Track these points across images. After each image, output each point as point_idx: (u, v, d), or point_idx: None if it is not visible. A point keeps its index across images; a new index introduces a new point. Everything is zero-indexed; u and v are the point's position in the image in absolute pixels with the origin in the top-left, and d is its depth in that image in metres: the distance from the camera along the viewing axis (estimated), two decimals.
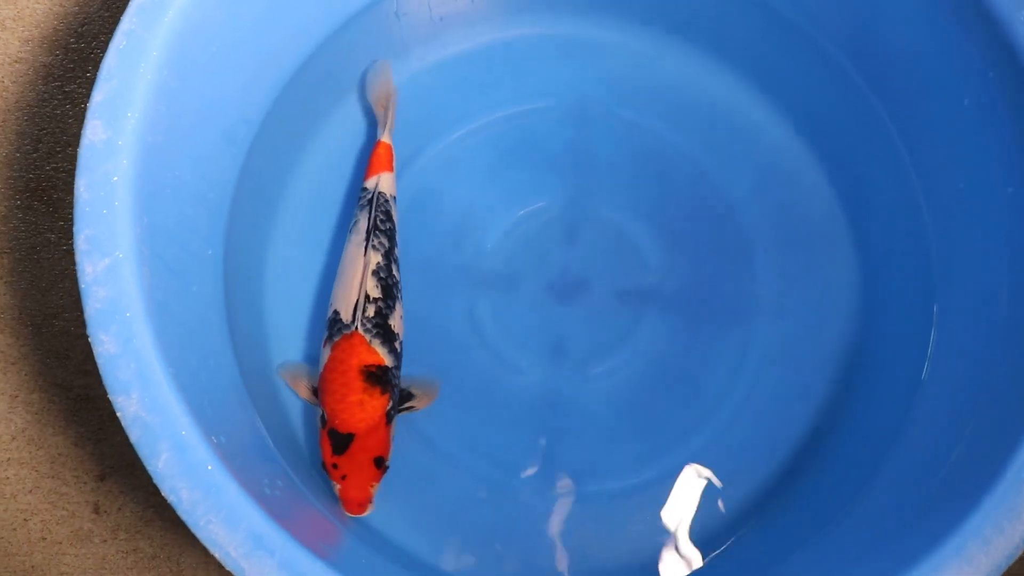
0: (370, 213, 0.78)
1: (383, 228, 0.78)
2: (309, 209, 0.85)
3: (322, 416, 0.74)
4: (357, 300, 0.74)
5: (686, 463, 0.81)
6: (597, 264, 0.86)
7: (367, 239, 0.77)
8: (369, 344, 0.74)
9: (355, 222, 0.79)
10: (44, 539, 0.85)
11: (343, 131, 0.87)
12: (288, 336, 0.82)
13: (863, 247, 0.84)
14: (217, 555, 0.54)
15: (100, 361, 0.57)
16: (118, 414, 0.56)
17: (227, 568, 0.54)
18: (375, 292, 0.75)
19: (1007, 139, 0.70)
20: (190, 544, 0.84)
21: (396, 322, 0.76)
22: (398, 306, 0.77)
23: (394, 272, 0.78)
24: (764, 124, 0.88)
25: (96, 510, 0.85)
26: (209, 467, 0.56)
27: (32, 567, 0.84)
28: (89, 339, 0.58)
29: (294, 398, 0.80)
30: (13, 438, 0.86)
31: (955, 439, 0.67)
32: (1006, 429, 0.61)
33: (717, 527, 0.79)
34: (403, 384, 0.78)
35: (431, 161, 0.87)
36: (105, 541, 0.85)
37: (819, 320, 0.84)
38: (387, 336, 0.75)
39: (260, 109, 0.78)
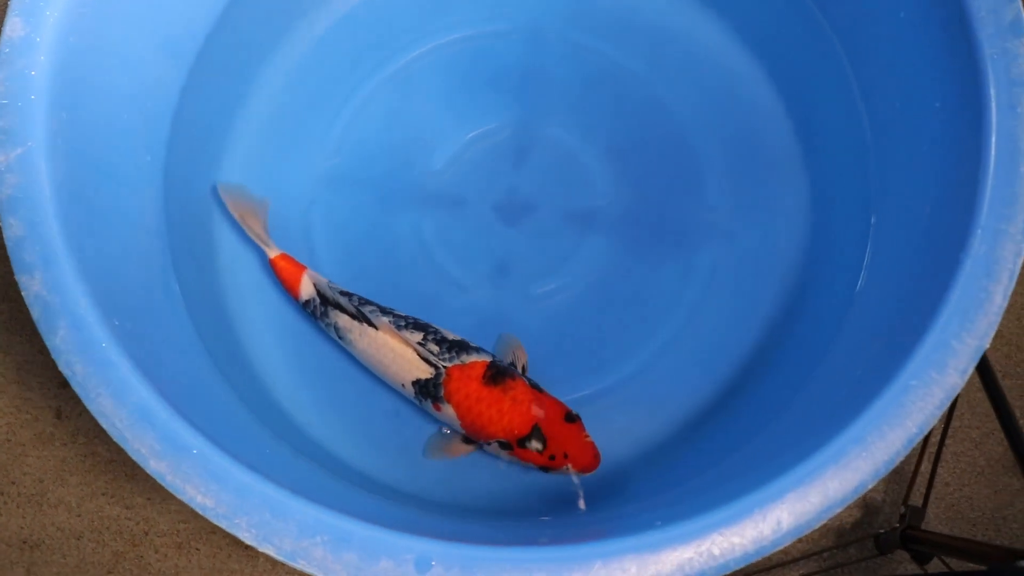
0: (338, 307, 0.77)
1: (356, 302, 0.77)
2: (268, 127, 0.86)
3: (500, 444, 0.74)
4: (419, 352, 0.74)
5: (627, 380, 0.81)
6: (545, 186, 0.86)
7: (361, 321, 0.76)
8: (465, 363, 0.74)
9: (334, 326, 0.78)
10: (9, 440, 0.89)
11: (304, 46, 0.87)
12: (238, 242, 0.83)
13: (813, 170, 0.84)
14: (104, 425, 0.56)
15: (8, 244, 0.60)
16: (22, 293, 0.59)
17: (113, 438, 0.56)
18: (417, 336, 0.75)
19: (936, 52, 0.68)
20: None
21: (452, 336, 0.76)
22: (436, 326, 0.77)
23: (403, 314, 0.78)
24: (717, 49, 0.87)
25: (58, 415, 0.89)
26: (103, 344, 0.58)
27: None
28: None
29: (240, 304, 0.82)
30: None
31: (865, 354, 0.67)
32: (904, 341, 0.61)
33: (659, 440, 0.80)
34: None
35: (384, 82, 0.88)
36: (65, 444, 0.88)
37: (767, 243, 0.83)
38: (464, 347, 0.75)
39: (205, 23, 0.79)
